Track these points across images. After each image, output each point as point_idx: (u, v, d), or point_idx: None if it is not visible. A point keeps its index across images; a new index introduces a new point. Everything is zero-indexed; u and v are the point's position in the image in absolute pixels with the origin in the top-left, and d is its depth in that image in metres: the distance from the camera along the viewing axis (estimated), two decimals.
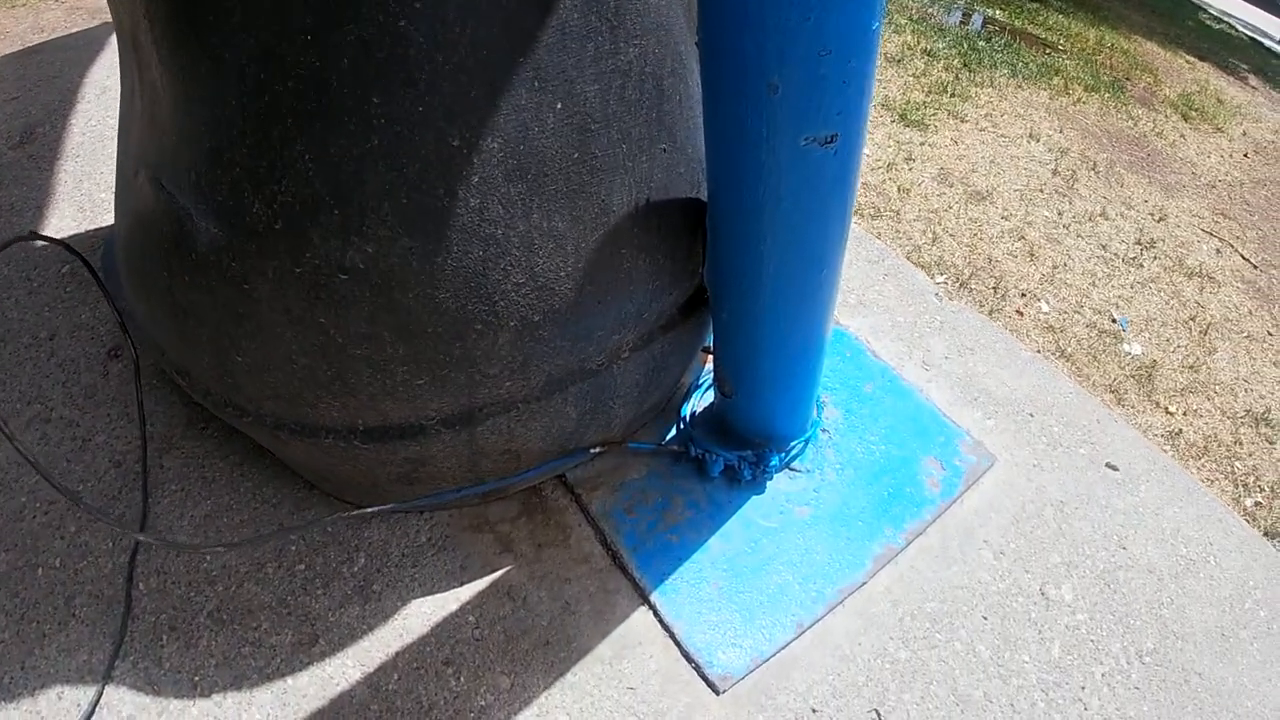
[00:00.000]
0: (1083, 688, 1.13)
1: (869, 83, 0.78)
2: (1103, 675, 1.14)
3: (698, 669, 1.04)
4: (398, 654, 1.04)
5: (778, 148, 0.80)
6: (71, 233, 1.58)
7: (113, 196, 1.67)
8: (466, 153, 0.76)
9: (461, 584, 1.08)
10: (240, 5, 0.71)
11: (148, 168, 0.88)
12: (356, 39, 0.71)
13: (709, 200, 0.93)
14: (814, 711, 1.06)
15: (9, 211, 1.65)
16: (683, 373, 1.13)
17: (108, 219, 1.61)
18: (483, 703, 1.02)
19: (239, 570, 1.12)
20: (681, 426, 1.16)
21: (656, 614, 1.06)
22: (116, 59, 2.23)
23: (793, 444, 1.12)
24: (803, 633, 1.07)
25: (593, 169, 0.83)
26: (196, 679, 1.06)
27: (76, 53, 2.02)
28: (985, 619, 1.14)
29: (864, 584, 1.10)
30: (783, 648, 1.06)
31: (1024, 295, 1.43)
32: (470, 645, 1.05)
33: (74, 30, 2.22)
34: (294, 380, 0.87)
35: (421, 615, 1.06)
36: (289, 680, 1.04)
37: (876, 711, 1.07)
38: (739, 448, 1.11)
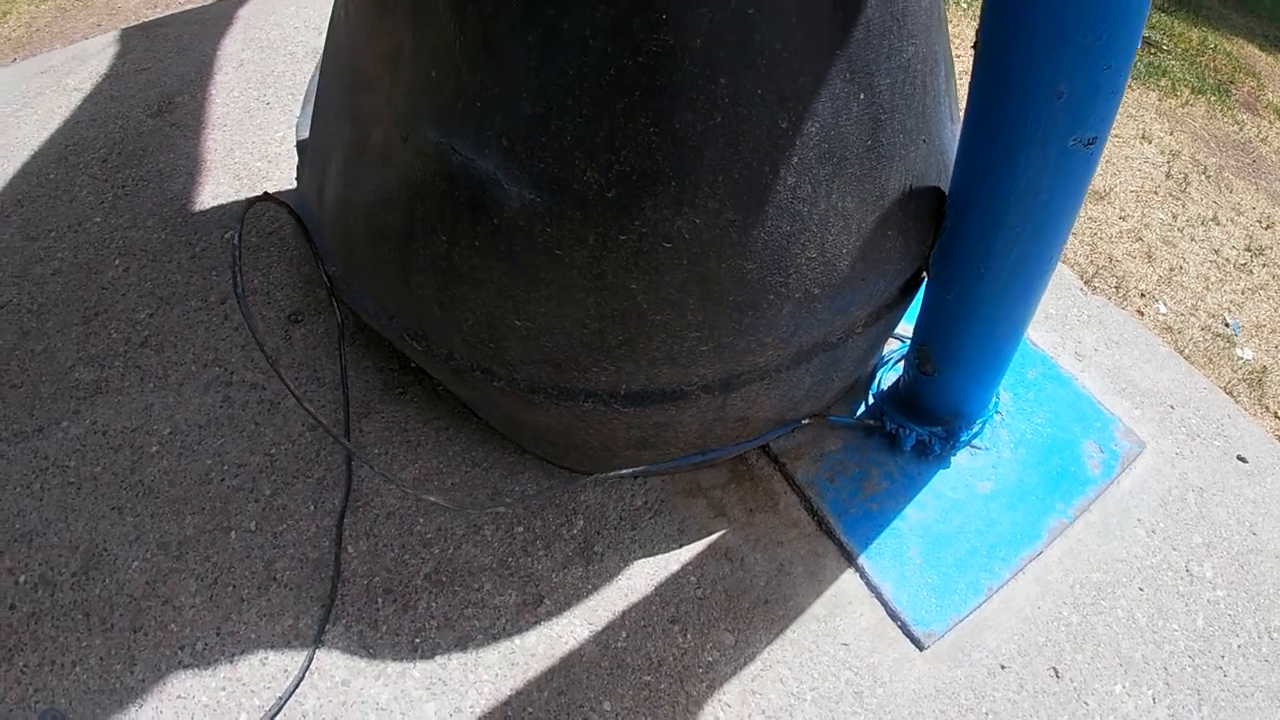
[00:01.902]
0: (1222, 656, 1.24)
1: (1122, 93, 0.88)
2: (1238, 647, 1.26)
3: (904, 627, 1.11)
4: (624, 613, 1.09)
5: (1049, 147, 0.88)
6: (228, 200, 1.58)
7: (267, 165, 1.68)
8: (791, 135, 0.82)
9: (680, 546, 1.13)
10: None
11: (428, 131, 0.91)
12: (710, 21, 0.76)
13: (955, 190, 1.00)
14: (1003, 668, 1.15)
15: (158, 177, 1.63)
16: (881, 350, 1.21)
17: (264, 187, 1.60)
18: (709, 658, 1.07)
19: (454, 533, 1.15)
20: (870, 402, 1.23)
21: (864, 576, 1.13)
22: (246, 33, 2.22)
23: (977, 422, 1.21)
24: (991, 596, 1.15)
25: (879, 156, 0.90)
26: (417, 641, 1.08)
27: (203, 26, 2.00)
28: (1141, 590, 1.25)
29: (1041, 553, 1.19)
30: (975, 609, 1.14)
31: (1143, 295, 1.54)
32: (694, 604, 1.10)
33: (193, 6, 2.18)
34: (576, 344, 0.92)
35: (644, 576, 1.12)
36: (516, 640, 1.08)
37: (1055, 669, 1.17)
38: (928, 424, 1.19)
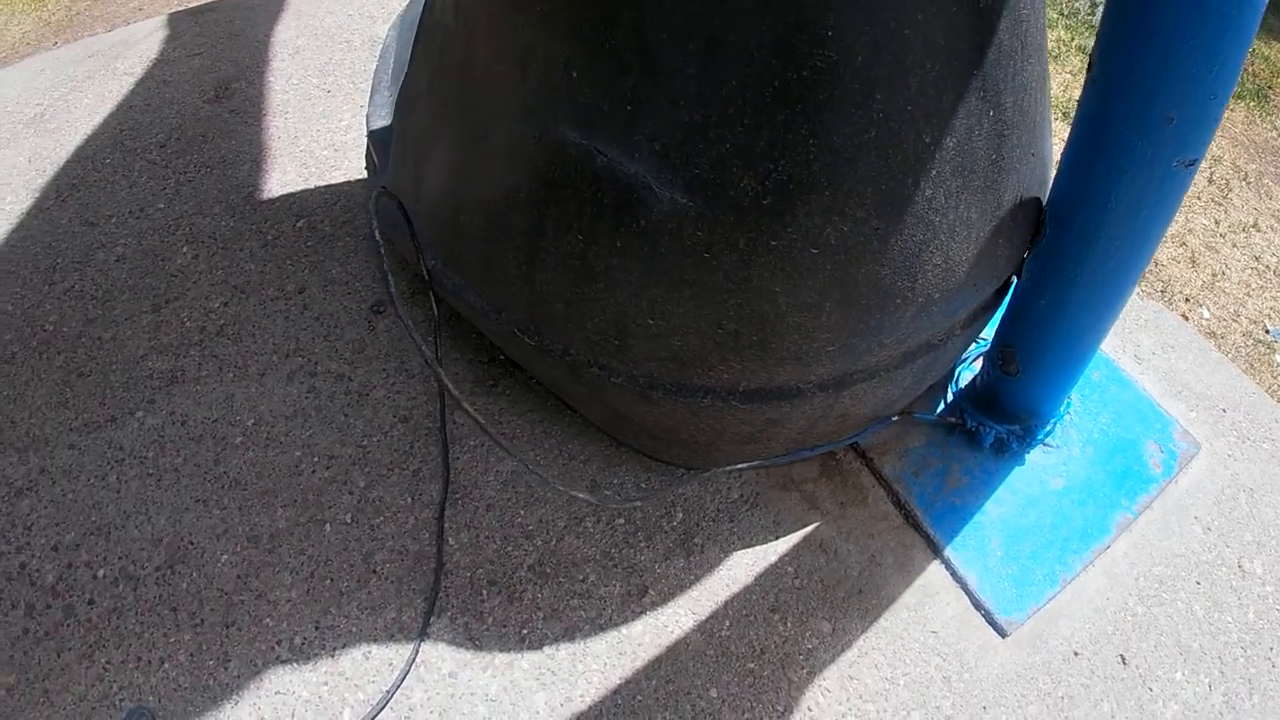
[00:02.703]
0: (1270, 649, 1.32)
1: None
2: None
3: (987, 615, 1.17)
4: (726, 602, 1.13)
5: (1155, 167, 0.94)
6: (297, 189, 1.57)
7: (334, 154, 1.67)
8: (933, 149, 0.85)
9: (777, 537, 1.17)
10: (760, 9, 0.78)
11: (567, 131, 0.92)
12: (870, 39, 0.79)
13: (1056, 200, 1.05)
14: (1076, 654, 1.21)
15: (221, 164, 1.61)
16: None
17: (333, 176, 1.60)
18: (809, 646, 1.12)
19: (556, 525, 1.18)
20: (949, 399, 1.29)
21: (949, 567, 1.19)
22: (299, 20, 2.20)
23: (1051, 421, 1.27)
24: (1065, 586, 1.22)
25: (1000, 169, 0.94)
26: (524, 632, 1.11)
27: (253, 12, 1.97)
28: (1198, 584, 1.32)
29: (1109, 547, 1.26)
30: (1051, 599, 1.21)
31: (1187, 300, 1.62)
32: (792, 594, 1.14)
33: None
34: (707, 343, 0.95)
35: (744, 566, 1.15)
36: (623, 630, 1.11)
37: (1122, 656, 1.24)
38: (1006, 422, 1.25)
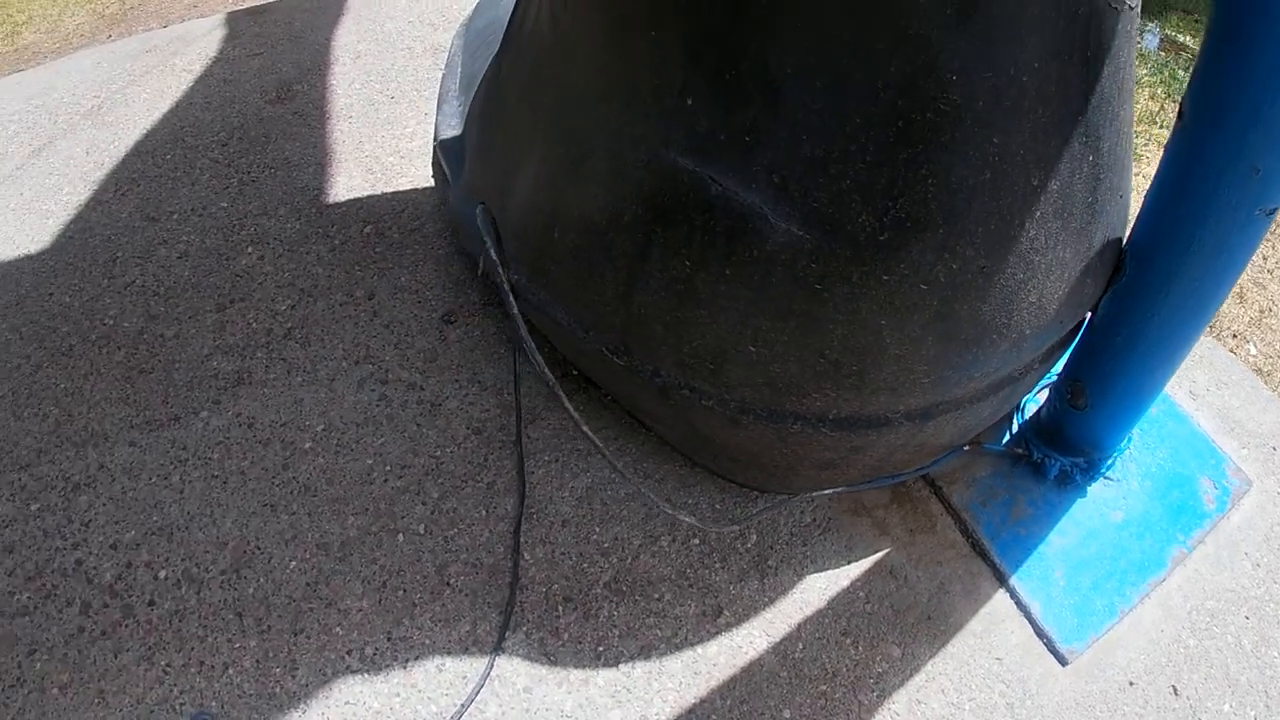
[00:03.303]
0: None
1: None
2: None
3: (1049, 644, 1.19)
4: (800, 625, 1.15)
5: (1238, 214, 0.97)
6: (363, 194, 1.57)
7: (400, 161, 1.67)
8: (1038, 191, 0.88)
9: (849, 562, 1.19)
10: (890, 51, 0.80)
11: (679, 158, 0.93)
12: (992, 85, 0.82)
13: (1138, 241, 1.08)
14: (1131, 684, 1.24)
15: (285, 165, 1.62)
16: None
17: (399, 183, 1.61)
18: (880, 670, 1.13)
19: (632, 543, 1.19)
20: (1014, 430, 1.31)
21: (1014, 596, 1.21)
22: (359, 25, 2.21)
23: (1113, 455, 1.29)
24: (1123, 618, 1.24)
25: (1094, 211, 0.97)
26: (600, 649, 1.11)
27: (314, 15, 1.98)
28: (1247, 619, 1.35)
29: (1164, 580, 1.28)
30: (1109, 629, 1.23)
31: (1235, 336, 1.66)
32: (863, 618, 1.16)
33: None
34: (806, 372, 0.96)
35: (816, 589, 1.17)
36: (698, 650, 1.12)
37: (1174, 687, 1.26)
38: (1071, 454, 1.27)
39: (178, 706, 1.16)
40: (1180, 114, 0.97)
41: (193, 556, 1.27)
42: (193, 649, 1.20)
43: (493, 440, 1.27)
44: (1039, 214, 0.90)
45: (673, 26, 0.94)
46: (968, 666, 1.15)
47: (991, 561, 1.21)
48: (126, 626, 1.24)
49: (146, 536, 1.30)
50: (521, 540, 1.17)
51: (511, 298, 0.86)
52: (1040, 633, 1.19)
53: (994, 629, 1.18)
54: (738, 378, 1.01)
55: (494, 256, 0.90)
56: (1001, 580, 1.21)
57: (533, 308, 1.22)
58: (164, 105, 1.80)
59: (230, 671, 1.17)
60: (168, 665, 1.19)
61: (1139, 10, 0.94)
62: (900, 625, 1.15)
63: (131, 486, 1.34)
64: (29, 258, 1.62)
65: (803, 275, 0.89)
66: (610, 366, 1.12)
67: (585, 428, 0.79)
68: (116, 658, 1.21)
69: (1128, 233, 1.13)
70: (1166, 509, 1.32)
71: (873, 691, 1.11)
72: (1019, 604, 1.20)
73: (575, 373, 1.33)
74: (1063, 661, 1.18)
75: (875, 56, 0.82)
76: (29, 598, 1.29)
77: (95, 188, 1.69)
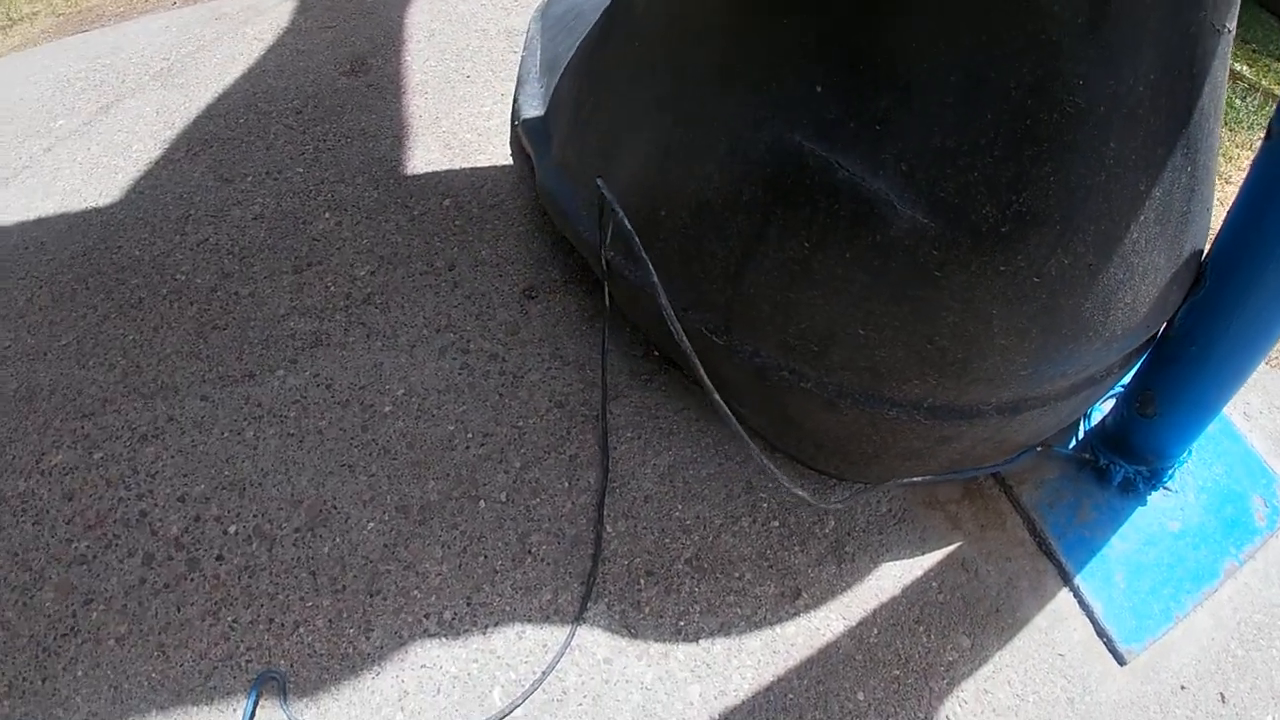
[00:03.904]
0: None
1: None
2: None
3: (1109, 643, 1.22)
4: (875, 611, 1.17)
5: None
6: (441, 168, 1.59)
7: (477, 138, 1.69)
8: (1144, 196, 0.92)
9: (922, 553, 1.22)
10: (1023, 54, 0.84)
11: (805, 142, 0.96)
12: (1114, 92, 0.86)
13: (1219, 253, 1.13)
14: (1183, 688, 1.27)
15: (361, 136, 1.63)
16: None
17: (477, 159, 1.63)
18: (950, 658, 1.15)
19: (713, 521, 1.20)
20: (1080, 436, 1.35)
21: (1078, 595, 1.24)
22: (432, 4, 2.23)
23: (1174, 465, 1.33)
24: (1178, 623, 1.28)
25: (1187, 220, 1.02)
26: (681, 624, 1.12)
27: None
28: None
29: (1217, 590, 1.32)
30: (1165, 633, 1.26)
31: (1268, 362, 1.72)
32: (936, 608, 1.18)
33: None
34: (911, 358, 0.99)
35: (891, 577, 1.19)
36: (777, 629, 1.13)
37: (1222, 694, 1.30)
38: (1136, 462, 1.31)
39: (243, 663, 1.15)
40: (1269, 133, 1.02)
41: (265, 513, 1.26)
42: (262, 606, 1.19)
43: (575, 414, 1.28)
44: (1143, 218, 0.94)
45: (804, 17, 0.98)
46: (1032, 660, 1.18)
47: (1057, 560, 1.25)
48: (192, 580, 1.22)
49: (217, 491, 1.29)
50: (605, 513, 1.19)
51: (651, 264, 0.88)
52: (1101, 632, 1.22)
53: (1058, 625, 1.21)
54: (841, 360, 1.04)
55: (628, 226, 0.92)
56: (1066, 579, 1.24)
57: (629, 285, 1.24)
58: (236, 71, 1.81)
59: (301, 630, 1.16)
60: (234, 621, 1.18)
61: (1233, 35, 0.99)
62: (971, 616, 1.18)
63: (202, 440, 1.33)
64: (97, 210, 1.62)
65: (923, 262, 0.93)
66: (707, 344, 1.14)
67: (716, 396, 0.81)
68: (179, 611, 1.19)
69: (1208, 246, 1.18)
70: (1220, 522, 1.37)
71: (943, 679, 1.13)
72: (1081, 603, 1.23)
73: (657, 352, 1.35)
74: (1121, 661, 1.22)
75: (1009, 59, 0.86)
76: (88, 546, 1.27)
77: (166, 146, 1.69)
